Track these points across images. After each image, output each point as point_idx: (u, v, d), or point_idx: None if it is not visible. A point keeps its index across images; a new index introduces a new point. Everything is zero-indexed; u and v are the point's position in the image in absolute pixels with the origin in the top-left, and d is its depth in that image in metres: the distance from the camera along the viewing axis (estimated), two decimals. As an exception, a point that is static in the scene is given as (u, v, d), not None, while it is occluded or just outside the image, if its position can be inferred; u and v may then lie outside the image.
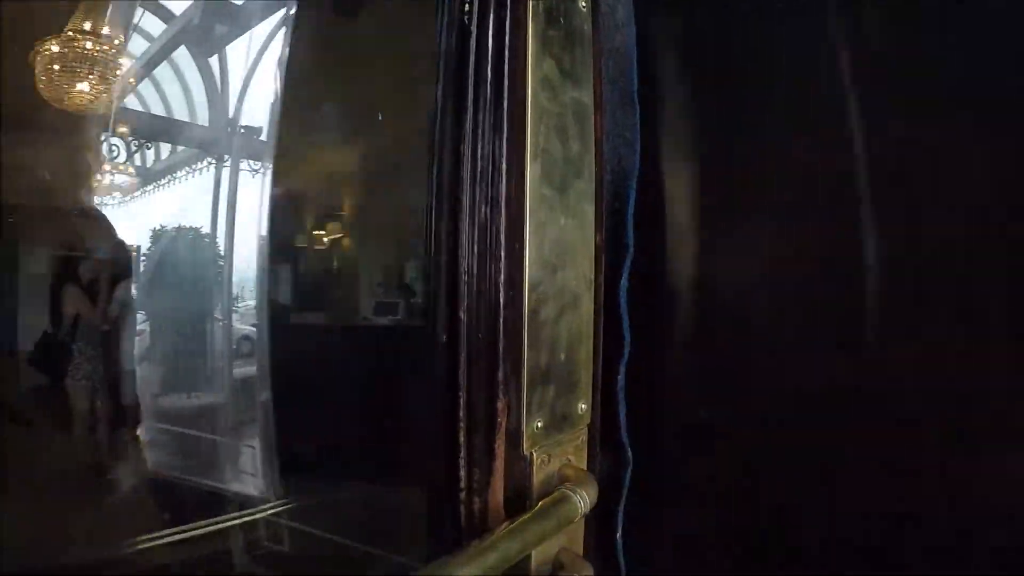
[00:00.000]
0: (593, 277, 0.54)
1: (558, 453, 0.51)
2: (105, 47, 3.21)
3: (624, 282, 0.55)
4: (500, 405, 0.45)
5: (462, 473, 0.45)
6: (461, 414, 0.45)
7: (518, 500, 0.47)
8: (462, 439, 0.45)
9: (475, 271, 0.45)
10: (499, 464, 0.45)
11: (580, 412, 0.54)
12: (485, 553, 0.41)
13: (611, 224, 0.56)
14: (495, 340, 0.44)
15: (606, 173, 0.57)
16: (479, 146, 0.46)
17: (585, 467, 0.55)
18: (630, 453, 0.56)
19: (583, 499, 0.48)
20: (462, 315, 0.44)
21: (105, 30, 3.31)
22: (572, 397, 0.53)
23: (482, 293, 0.45)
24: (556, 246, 0.50)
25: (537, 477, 0.49)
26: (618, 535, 0.58)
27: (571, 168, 0.52)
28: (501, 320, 0.44)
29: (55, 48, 3.36)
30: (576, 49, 0.54)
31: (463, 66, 0.47)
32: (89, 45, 3.25)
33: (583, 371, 0.53)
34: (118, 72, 3.35)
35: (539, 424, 0.49)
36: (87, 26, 3.28)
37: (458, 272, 0.45)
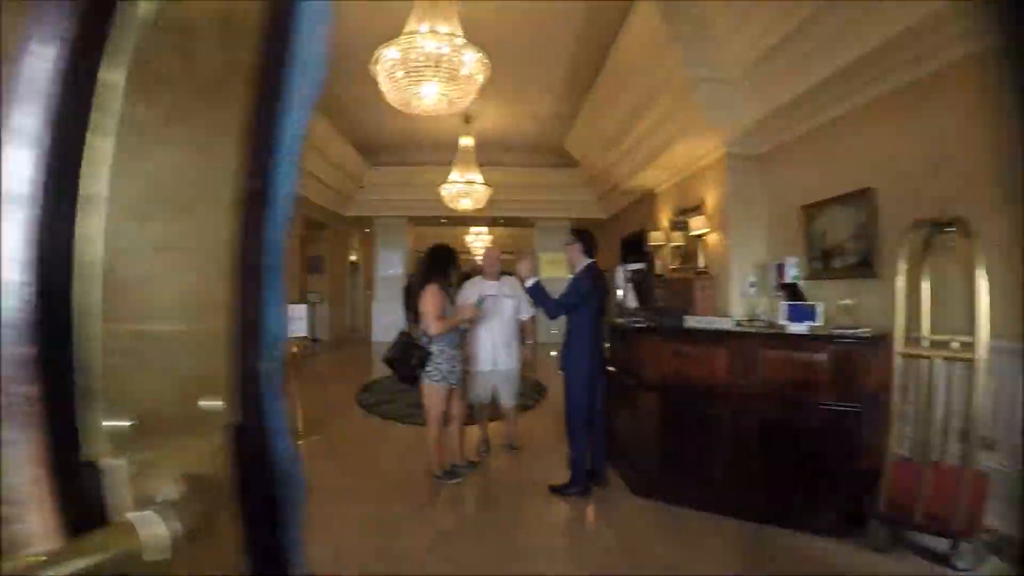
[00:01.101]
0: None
1: (166, 461, 0.45)
2: (447, 45, 2.93)
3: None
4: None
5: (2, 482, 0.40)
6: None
7: (85, 517, 0.41)
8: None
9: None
10: (42, 472, 0.40)
11: (203, 412, 0.48)
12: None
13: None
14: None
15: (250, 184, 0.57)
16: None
17: (228, 472, 0.47)
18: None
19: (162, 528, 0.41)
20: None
21: (443, 28, 2.95)
22: (183, 397, 0.48)
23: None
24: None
25: (119, 489, 0.42)
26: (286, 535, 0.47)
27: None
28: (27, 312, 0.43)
29: (395, 54, 2.96)
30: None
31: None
32: (430, 46, 2.93)
33: (201, 372, 0.49)
34: (463, 69, 3.03)
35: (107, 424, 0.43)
36: (423, 27, 2.94)
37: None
